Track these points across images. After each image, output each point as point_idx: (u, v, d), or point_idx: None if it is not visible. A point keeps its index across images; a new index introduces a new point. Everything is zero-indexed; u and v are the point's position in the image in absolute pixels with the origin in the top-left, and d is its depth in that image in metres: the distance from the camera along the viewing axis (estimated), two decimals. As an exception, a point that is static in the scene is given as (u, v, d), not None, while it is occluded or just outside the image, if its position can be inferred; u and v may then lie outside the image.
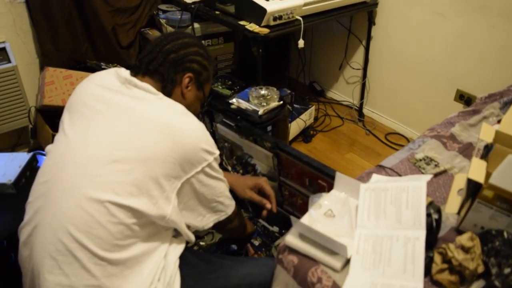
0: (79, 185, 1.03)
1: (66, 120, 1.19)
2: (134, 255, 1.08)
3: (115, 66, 2.61)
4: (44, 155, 1.70)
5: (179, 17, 2.54)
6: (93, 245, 1.01)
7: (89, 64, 2.54)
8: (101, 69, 2.50)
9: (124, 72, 1.20)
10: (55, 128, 2.23)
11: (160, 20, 2.68)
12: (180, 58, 1.23)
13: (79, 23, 2.50)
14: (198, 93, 1.31)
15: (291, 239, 1.03)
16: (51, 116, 2.35)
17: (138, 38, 2.74)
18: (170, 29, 2.58)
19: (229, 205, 1.30)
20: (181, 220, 1.17)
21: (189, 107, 1.21)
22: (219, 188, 1.23)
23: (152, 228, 1.12)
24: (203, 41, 2.72)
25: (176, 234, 1.26)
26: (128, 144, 1.06)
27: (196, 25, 2.62)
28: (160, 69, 1.21)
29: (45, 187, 1.10)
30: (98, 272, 1.02)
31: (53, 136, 2.17)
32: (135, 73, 1.21)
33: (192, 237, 1.24)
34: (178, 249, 1.23)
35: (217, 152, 1.18)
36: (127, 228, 1.04)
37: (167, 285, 1.14)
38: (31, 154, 1.54)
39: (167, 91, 1.21)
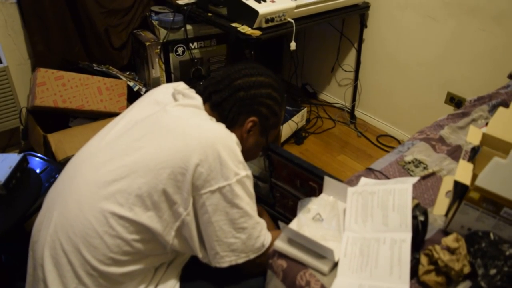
0: (86, 187, 1.01)
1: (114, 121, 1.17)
2: (129, 272, 1.02)
3: (107, 68, 2.61)
4: (35, 156, 1.70)
5: (172, 18, 2.54)
6: (87, 252, 0.97)
7: (81, 65, 2.53)
8: (93, 70, 2.50)
9: (180, 86, 1.14)
10: (46, 129, 2.23)
11: (153, 21, 2.68)
12: (249, 98, 1.11)
13: (71, 24, 2.50)
14: (260, 139, 1.18)
15: (280, 244, 1.02)
16: (42, 117, 2.35)
17: (130, 40, 2.75)
18: (162, 30, 2.58)
19: (253, 247, 1.06)
20: (188, 245, 1.05)
21: (245, 152, 1.09)
22: (241, 221, 1.02)
23: (155, 246, 1.03)
24: (195, 43, 2.72)
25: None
26: (140, 150, 1.00)
27: (188, 26, 2.63)
28: (223, 104, 1.10)
29: (64, 178, 1.10)
30: (88, 281, 0.99)
31: (44, 137, 2.16)
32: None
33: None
34: (182, 261, 1.17)
35: (243, 174, 1.00)
36: (125, 244, 0.98)
37: None
38: (21, 155, 1.53)
39: None
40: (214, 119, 1.08)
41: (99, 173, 1.01)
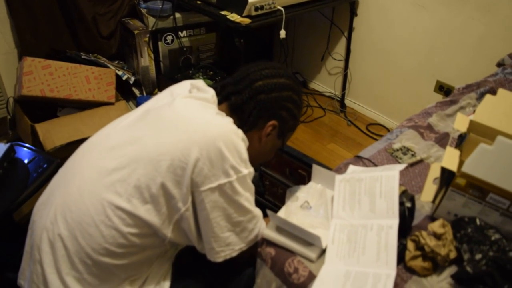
0: (89, 173, 1.00)
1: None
2: (123, 264, 1.01)
3: (95, 56, 2.58)
4: (22, 146, 1.68)
5: (160, 6, 2.52)
6: (83, 239, 0.96)
7: (69, 54, 2.51)
8: (81, 59, 2.47)
9: (200, 83, 1.12)
10: (34, 119, 2.20)
11: (141, 9, 2.66)
12: (270, 101, 1.08)
13: (58, 12, 2.47)
14: (277, 141, 1.16)
15: (268, 232, 1.03)
16: (30, 107, 2.32)
17: (119, 28, 2.72)
18: (151, 19, 2.56)
19: (246, 239, 1.05)
20: (186, 238, 1.05)
21: (261, 155, 1.10)
22: (237, 215, 1.01)
23: (153, 240, 1.02)
24: (184, 31, 2.70)
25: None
26: (143, 139, 0.99)
27: (177, 15, 2.61)
28: (243, 107, 1.07)
29: (71, 163, 1.10)
30: (81, 268, 0.98)
31: (32, 127, 2.14)
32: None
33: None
34: (174, 251, 1.16)
35: (245, 172, 0.99)
36: (121, 236, 0.97)
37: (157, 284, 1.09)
38: (8, 145, 1.51)
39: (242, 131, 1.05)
40: (223, 114, 1.05)
41: (103, 160, 1.01)
